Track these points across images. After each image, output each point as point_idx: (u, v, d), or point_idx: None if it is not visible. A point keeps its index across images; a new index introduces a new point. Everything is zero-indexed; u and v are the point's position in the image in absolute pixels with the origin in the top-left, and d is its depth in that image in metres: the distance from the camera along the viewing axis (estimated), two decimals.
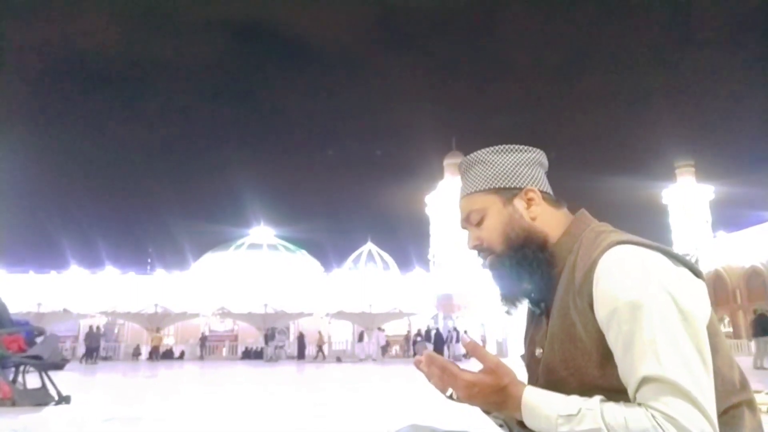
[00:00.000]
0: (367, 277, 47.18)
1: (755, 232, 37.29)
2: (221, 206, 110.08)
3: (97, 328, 27.36)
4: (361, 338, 31.05)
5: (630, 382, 0.88)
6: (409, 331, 33.19)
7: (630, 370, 0.88)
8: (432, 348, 24.65)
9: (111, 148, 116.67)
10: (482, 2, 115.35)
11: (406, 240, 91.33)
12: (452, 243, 43.86)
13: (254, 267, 47.99)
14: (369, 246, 55.98)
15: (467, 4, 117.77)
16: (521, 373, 0.95)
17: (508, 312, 1.13)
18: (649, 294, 0.89)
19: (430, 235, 48.76)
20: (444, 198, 46.61)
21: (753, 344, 16.57)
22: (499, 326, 33.94)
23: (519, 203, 1.09)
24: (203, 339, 33.36)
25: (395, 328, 35.32)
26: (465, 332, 27.38)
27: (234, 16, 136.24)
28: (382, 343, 29.16)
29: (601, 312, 0.92)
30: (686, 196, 46.65)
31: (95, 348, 25.61)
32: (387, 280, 47.19)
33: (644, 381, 0.86)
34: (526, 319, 1.17)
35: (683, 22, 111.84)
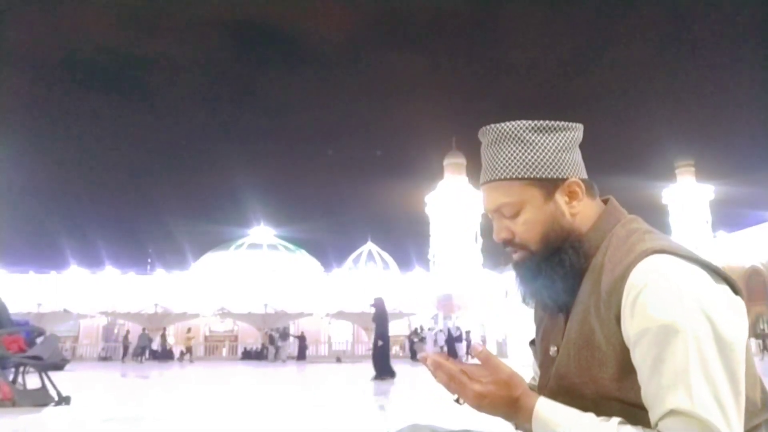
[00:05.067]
0: (367, 277, 47.18)
1: (755, 232, 37.26)
2: (221, 206, 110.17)
3: (144, 329, 29.45)
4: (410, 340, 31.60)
5: (654, 409, 0.82)
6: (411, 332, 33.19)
7: (656, 396, 0.82)
8: (446, 349, 24.08)
9: (111, 147, 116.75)
10: (482, 2, 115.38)
11: (406, 240, 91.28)
12: (452, 243, 43.92)
13: (254, 267, 48.01)
14: (369, 246, 56.07)
15: (467, 4, 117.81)
16: (521, 372, 0.93)
17: (525, 303, 1.05)
18: (686, 318, 0.81)
19: (430, 235, 48.76)
20: (444, 198, 46.62)
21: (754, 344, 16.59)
22: (499, 326, 33.91)
23: (561, 198, 0.97)
24: (163, 337, 32.50)
25: (395, 328, 35.30)
26: (467, 332, 27.04)
27: (234, 15, 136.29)
28: (441, 343, 28.74)
29: (630, 329, 0.85)
30: (686, 196, 46.58)
31: (144, 347, 27.82)
32: (387, 280, 47.16)
33: (672, 413, 0.80)
34: (536, 308, 1.10)
35: (683, 22, 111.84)
